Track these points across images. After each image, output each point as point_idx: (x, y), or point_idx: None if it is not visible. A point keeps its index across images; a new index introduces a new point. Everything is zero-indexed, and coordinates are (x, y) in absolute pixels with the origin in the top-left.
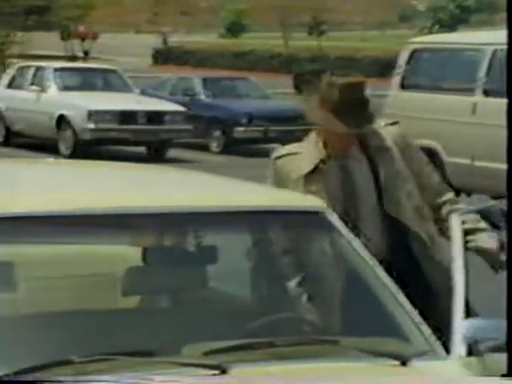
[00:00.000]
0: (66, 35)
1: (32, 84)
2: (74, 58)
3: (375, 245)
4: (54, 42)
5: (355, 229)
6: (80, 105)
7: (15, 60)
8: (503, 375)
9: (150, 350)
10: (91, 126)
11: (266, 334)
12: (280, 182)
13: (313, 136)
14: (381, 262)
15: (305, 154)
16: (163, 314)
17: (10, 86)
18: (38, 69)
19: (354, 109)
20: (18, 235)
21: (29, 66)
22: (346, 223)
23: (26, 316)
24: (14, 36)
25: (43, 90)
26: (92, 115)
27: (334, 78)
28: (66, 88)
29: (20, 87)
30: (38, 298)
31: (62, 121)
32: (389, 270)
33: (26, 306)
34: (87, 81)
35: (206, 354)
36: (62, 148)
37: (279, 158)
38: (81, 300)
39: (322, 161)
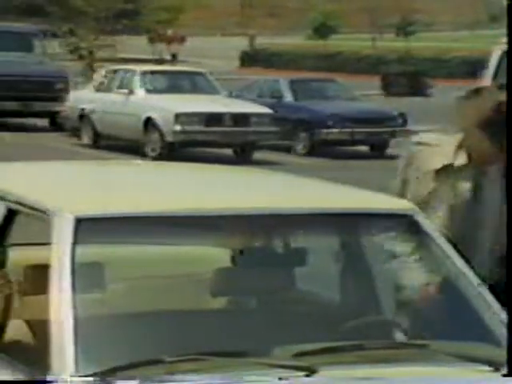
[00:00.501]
0: (154, 39)
1: (120, 87)
2: (161, 61)
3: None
4: (142, 45)
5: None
6: (167, 107)
7: (104, 63)
8: (504, 375)
9: (239, 351)
10: (178, 128)
11: (355, 336)
12: (410, 169)
13: (458, 136)
14: None
15: (443, 149)
16: (252, 315)
17: (99, 89)
18: (126, 72)
19: (504, 129)
20: (107, 236)
21: (117, 69)
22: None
23: (114, 316)
24: (103, 40)
25: (131, 92)
26: (179, 117)
27: (495, 92)
28: (154, 91)
29: (108, 90)
30: (126, 298)
31: (149, 123)
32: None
33: (115, 306)
34: (174, 83)
35: (296, 355)
36: (149, 150)
37: (417, 145)
38: (169, 300)
39: (458, 165)
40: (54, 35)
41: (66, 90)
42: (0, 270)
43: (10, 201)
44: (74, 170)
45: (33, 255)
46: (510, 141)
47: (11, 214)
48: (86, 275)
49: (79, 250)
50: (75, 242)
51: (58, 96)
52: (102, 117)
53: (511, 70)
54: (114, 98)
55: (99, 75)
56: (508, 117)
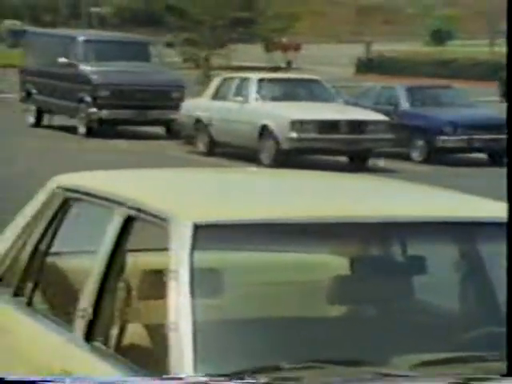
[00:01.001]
0: (269, 46)
1: (236, 95)
2: (276, 69)
3: None
4: (257, 53)
5: None
6: (282, 114)
7: (219, 71)
8: (503, 375)
9: (357, 360)
10: (293, 135)
11: (475, 347)
12: None
13: None
14: None
15: None
16: (370, 323)
17: (215, 97)
18: (242, 80)
19: None
20: (225, 242)
21: (233, 78)
22: None
23: (231, 322)
24: (219, 48)
25: (246, 100)
26: (294, 125)
27: None
28: (269, 98)
29: (224, 98)
30: (244, 304)
31: (264, 130)
32: None
33: (232, 312)
34: (290, 91)
35: (415, 366)
36: (263, 157)
37: None
38: (286, 307)
39: None
40: (171, 44)
41: (182, 99)
42: (120, 274)
43: (129, 207)
44: (190, 177)
45: (151, 261)
46: (510, 141)
47: (130, 220)
48: (203, 281)
49: (197, 256)
50: (193, 248)
51: (174, 104)
52: (217, 124)
53: (511, 70)
54: (230, 105)
55: (215, 83)
56: (508, 117)
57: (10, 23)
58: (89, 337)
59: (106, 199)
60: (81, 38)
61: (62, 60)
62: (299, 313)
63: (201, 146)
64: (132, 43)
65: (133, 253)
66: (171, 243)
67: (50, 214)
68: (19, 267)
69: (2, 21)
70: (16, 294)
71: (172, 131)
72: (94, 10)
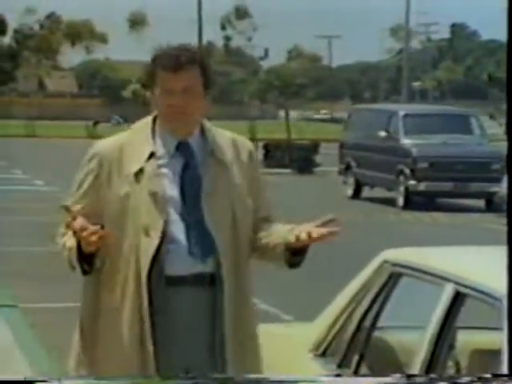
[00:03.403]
0: None
1: None
2: None
3: None
4: None
5: None
6: None
7: None
8: (504, 375)
9: None
10: None
11: None
12: None
13: None
14: None
15: None
16: None
17: None
18: None
19: None
20: None
21: None
22: None
23: None
24: None
25: None
26: None
27: None
28: None
29: None
30: None
31: None
32: None
33: None
34: None
35: None
36: None
37: None
38: None
39: None
40: (492, 116)
41: (503, 171)
42: (449, 352)
43: (458, 284)
44: None
45: (481, 339)
46: (510, 141)
47: (459, 297)
48: None
49: None
50: None
51: (496, 176)
52: None
53: (511, 70)
54: None
55: None
56: (508, 116)
57: None
58: None
59: (434, 275)
60: (401, 113)
61: (383, 134)
62: None
63: None
64: (453, 116)
65: (462, 330)
66: (503, 322)
67: (376, 288)
68: (345, 339)
69: None
70: (341, 366)
71: (493, 204)
72: (414, 84)
